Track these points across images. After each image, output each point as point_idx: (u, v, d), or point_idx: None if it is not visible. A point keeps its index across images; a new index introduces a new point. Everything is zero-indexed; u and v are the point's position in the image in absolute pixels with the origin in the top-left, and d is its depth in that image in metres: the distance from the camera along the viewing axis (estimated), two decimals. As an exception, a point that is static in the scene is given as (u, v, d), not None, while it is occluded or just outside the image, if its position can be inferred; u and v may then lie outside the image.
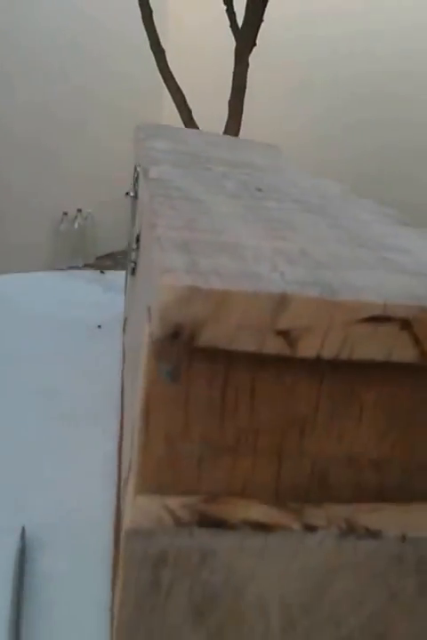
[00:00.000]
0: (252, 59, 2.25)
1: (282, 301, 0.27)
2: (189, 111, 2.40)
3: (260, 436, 0.31)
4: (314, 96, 3.57)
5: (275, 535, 0.31)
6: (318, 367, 0.30)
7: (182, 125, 2.42)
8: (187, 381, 0.29)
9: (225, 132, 2.33)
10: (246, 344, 0.27)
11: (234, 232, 0.35)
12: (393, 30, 3.30)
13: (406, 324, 0.28)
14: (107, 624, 0.39)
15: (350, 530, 0.31)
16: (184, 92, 2.39)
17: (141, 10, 2.31)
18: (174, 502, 0.31)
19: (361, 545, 0.31)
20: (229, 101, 2.30)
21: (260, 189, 0.49)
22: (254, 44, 2.23)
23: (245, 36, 2.21)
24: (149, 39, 2.34)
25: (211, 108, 2.52)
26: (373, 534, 0.31)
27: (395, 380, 0.30)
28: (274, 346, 0.27)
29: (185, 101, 2.39)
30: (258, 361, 0.29)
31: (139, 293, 0.46)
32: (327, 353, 0.28)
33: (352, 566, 0.31)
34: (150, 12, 2.32)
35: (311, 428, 0.31)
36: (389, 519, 0.32)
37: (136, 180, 0.57)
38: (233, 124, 2.30)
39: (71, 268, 3.57)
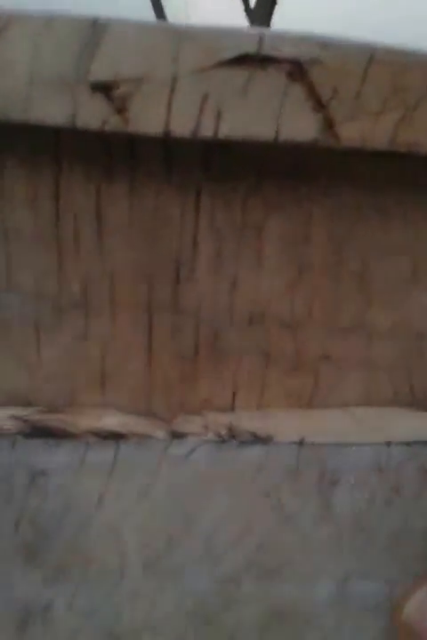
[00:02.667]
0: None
1: (94, 27, 0.17)
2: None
3: (117, 283, 0.22)
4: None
5: (128, 445, 0.21)
6: (189, 167, 0.20)
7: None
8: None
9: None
10: (50, 112, 0.18)
11: None
12: None
13: (296, 70, 0.18)
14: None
15: (231, 436, 0.21)
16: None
17: (153, 5, 2.27)
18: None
19: (244, 454, 0.21)
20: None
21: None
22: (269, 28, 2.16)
23: (259, 20, 2.14)
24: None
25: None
26: (260, 440, 0.21)
27: (296, 181, 0.21)
28: (94, 113, 0.18)
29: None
30: (102, 165, 0.20)
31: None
32: (178, 126, 0.18)
33: (233, 484, 0.21)
34: (162, 11, 2.28)
35: (189, 271, 0.22)
36: (283, 420, 0.22)
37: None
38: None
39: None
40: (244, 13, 2.21)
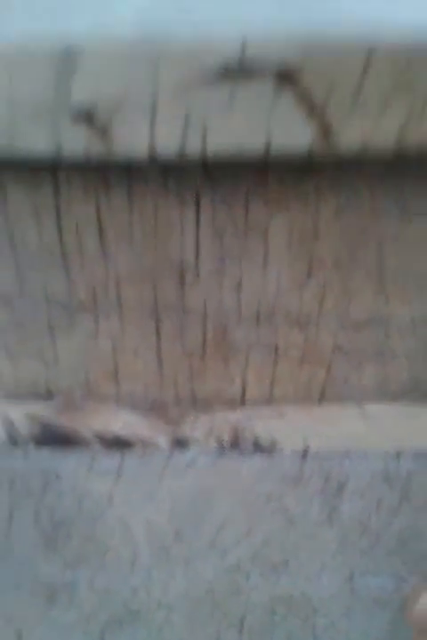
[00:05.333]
0: None
1: (67, 55, 0.17)
2: None
3: (122, 287, 0.22)
4: None
5: (131, 456, 0.22)
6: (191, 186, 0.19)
7: None
8: None
9: None
10: (35, 140, 0.18)
11: None
12: None
13: (285, 78, 0.17)
14: None
15: (235, 442, 0.21)
16: None
17: None
18: (17, 412, 0.23)
19: (245, 464, 0.21)
20: None
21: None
22: None
23: None
24: None
25: None
26: (264, 448, 0.21)
27: (300, 192, 0.19)
28: (77, 140, 0.18)
29: None
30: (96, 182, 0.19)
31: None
32: (163, 147, 0.17)
33: (233, 490, 0.22)
34: None
35: (193, 272, 0.21)
36: (290, 420, 0.21)
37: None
38: None
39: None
40: None
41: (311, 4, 0.18)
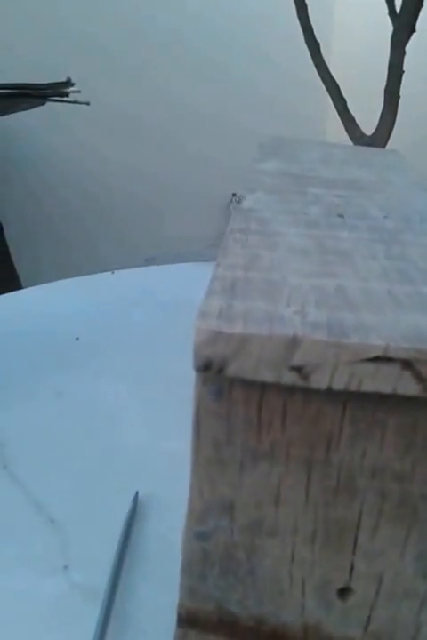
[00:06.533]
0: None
1: (294, 342, 0.32)
2: (344, 102, 2.39)
3: (291, 447, 0.37)
4: None
5: None
6: (340, 394, 0.35)
7: (338, 116, 2.43)
8: (228, 401, 0.36)
9: (380, 122, 2.29)
10: (267, 376, 0.33)
11: (286, 269, 0.41)
12: None
13: (407, 365, 0.32)
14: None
15: None
16: (338, 81, 2.39)
17: (296, 5, 2.34)
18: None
19: None
20: (385, 90, 2.26)
21: (342, 216, 0.53)
22: (414, 30, 2.16)
23: (403, 22, 2.14)
24: (304, 33, 2.36)
25: (366, 97, 2.49)
26: None
27: (409, 407, 0.34)
28: (290, 378, 0.33)
29: (340, 92, 2.39)
30: (288, 388, 0.35)
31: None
32: (337, 385, 0.33)
33: None
34: (305, 5, 2.34)
35: (337, 444, 0.36)
36: None
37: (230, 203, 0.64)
38: (389, 114, 2.26)
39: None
40: (388, 16, 2.22)
41: None
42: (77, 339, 0.84)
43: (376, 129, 2.33)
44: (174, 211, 3.48)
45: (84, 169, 3.22)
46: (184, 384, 0.83)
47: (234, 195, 0.66)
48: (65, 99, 2.14)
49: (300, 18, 2.36)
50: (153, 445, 0.66)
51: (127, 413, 0.69)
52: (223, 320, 0.33)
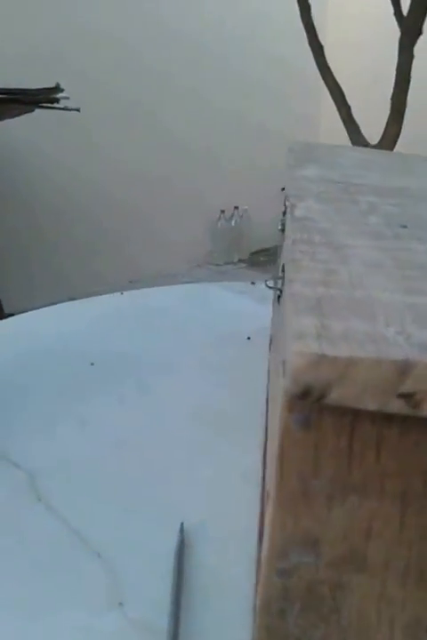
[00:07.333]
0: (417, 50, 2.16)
1: (405, 367, 0.29)
2: (348, 108, 2.38)
3: (385, 480, 0.34)
4: None
5: None
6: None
7: (341, 122, 2.41)
8: (316, 430, 0.33)
9: (386, 130, 2.27)
10: (371, 404, 0.30)
11: (368, 285, 0.38)
12: None
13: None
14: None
15: None
16: (343, 86, 2.37)
17: (299, 6, 2.32)
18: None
19: None
20: (392, 96, 2.24)
21: (405, 226, 0.50)
22: (420, 33, 2.14)
23: (411, 25, 2.13)
24: (307, 35, 2.35)
25: (371, 104, 2.47)
26: None
27: None
28: (397, 406, 0.30)
29: (344, 98, 2.37)
30: (384, 416, 0.32)
31: (278, 333, 0.50)
32: (449, 415, 0.30)
33: None
34: (308, 6, 2.33)
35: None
36: None
37: (284, 213, 0.61)
38: (395, 121, 2.24)
39: (227, 263, 3.71)
40: (393, 17, 2.21)
41: None
42: (92, 364, 0.81)
43: (381, 138, 2.31)
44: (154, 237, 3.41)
45: (77, 179, 3.18)
46: (206, 407, 0.81)
47: (283, 189, 0.63)
48: (55, 105, 2.11)
49: (303, 19, 2.34)
50: (188, 473, 0.62)
51: (154, 441, 0.66)
52: (325, 342, 0.30)
